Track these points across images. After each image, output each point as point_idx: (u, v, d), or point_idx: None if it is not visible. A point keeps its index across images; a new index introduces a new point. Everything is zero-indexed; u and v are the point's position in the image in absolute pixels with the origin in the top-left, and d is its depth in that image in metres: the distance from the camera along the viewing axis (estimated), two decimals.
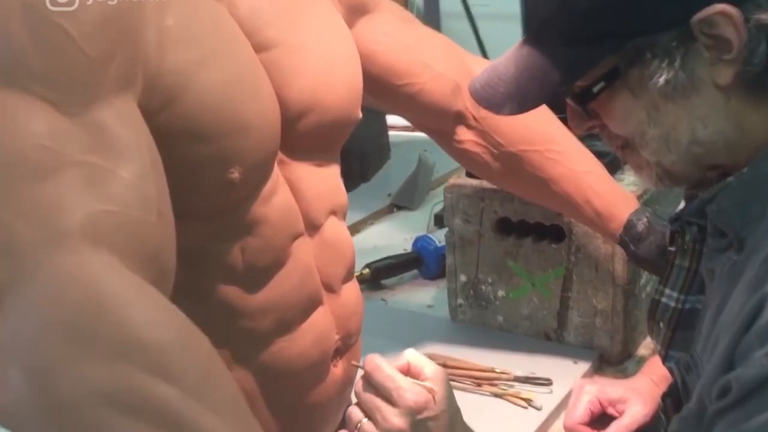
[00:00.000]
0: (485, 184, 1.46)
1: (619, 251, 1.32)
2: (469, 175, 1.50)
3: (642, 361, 1.41)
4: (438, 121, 1.29)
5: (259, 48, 0.95)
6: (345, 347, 1.08)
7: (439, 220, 1.94)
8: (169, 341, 0.69)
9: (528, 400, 1.31)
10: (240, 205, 0.94)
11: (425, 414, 0.89)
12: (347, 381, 1.09)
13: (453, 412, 0.92)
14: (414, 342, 1.41)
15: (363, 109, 1.09)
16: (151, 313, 0.70)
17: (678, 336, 0.90)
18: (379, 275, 1.78)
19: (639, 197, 1.35)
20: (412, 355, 0.93)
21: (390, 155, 2.43)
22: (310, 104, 0.99)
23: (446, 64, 1.27)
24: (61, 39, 0.74)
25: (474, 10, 3.18)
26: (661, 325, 0.91)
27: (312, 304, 1.03)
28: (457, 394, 0.94)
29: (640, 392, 1.19)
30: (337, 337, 1.06)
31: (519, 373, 1.37)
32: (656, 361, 1.17)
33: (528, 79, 0.82)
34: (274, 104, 0.95)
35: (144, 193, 0.75)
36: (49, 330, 0.67)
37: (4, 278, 0.70)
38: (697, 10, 0.73)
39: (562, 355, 1.43)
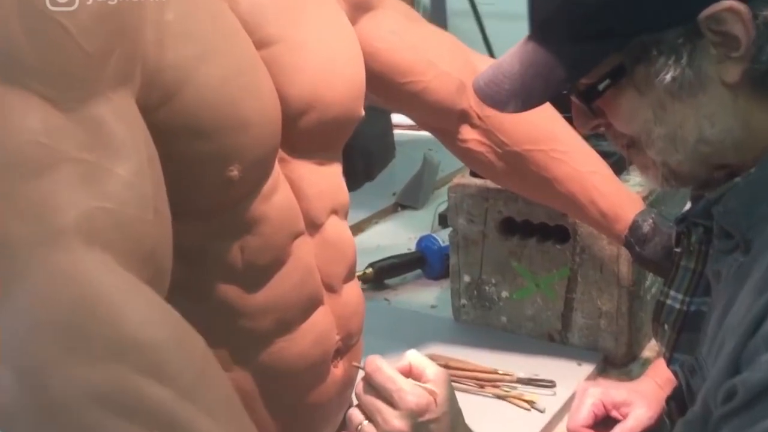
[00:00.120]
0: (489, 183, 1.45)
1: (624, 252, 1.32)
2: (474, 174, 1.49)
3: (647, 363, 1.41)
4: (442, 119, 1.28)
5: (260, 44, 0.94)
6: (346, 348, 1.07)
7: (443, 220, 1.93)
8: (164, 341, 0.69)
9: (531, 402, 1.30)
10: (239, 204, 0.93)
11: (426, 416, 0.88)
12: (348, 382, 1.08)
13: (455, 414, 0.91)
14: (416, 342, 1.41)
15: (368, 107, 1.08)
16: (145, 312, 0.69)
17: (683, 338, 0.89)
18: (383, 275, 1.78)
19: (645, 198, 1.34)
20: (413, 357, 0.93)
21: (395, 154, 2.43)
22: (311, 101, 0.98)
23: (451, 63, 1.26)
24: (58, 34, 0.73)
25: (481, 9, 3.18)
26: (666, 327, 0.91)
27: (312, 304, 1.02)
28: (459, 395, 0.93)
29: (644, 395, 1.19)
30: (337, 337, 1.05)
31: (522, 374, 1.36)
32: (661, 363, 1.16)
33: (533, 76, 0.82)
34: (275, 101, 0.94)
35: (140, 191, 0.75)
36: (42, 329, 0.67)
37: None
38: (704, 7, 0.72)
39: (565, 356, 1.43)
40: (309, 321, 1.01)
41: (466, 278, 1.53)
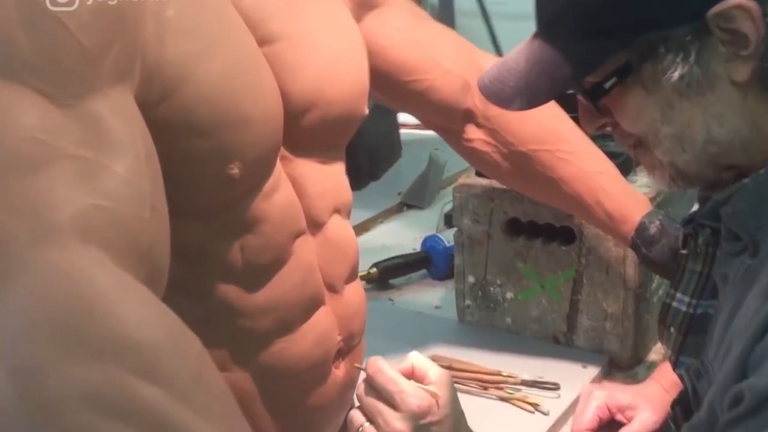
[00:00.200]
0: (495, 183, 1.44)
1: (631, 254, 1.31)
2: (479, 174, 1.48)
3: (653, 366, 1.40)
4: (446, 118, 1.28)
5: (262, 41, 0.94)
6: (347, 348, 1.06)
7: (449, 220, 1.93)
8: (159, 342, 0.68)
9: (535, 405, 1.29)
10: (240, 202, 0.92)
11: (428, 419, 0.87)
12: (349, 383, 1.07)
13: (457, 416, 0.90)
14: (420, 343, 1.41)
15: (374, 105, 1.08)
16: (140, 312, 0.69)
17: (689, 341, 0.89)
18: (387, 275, 1.77)
19: (652, 199, 1.33)
20: (416, 358, 0.92)
21: (401, 153, 2.42)
22: (314, 99, 0.98)
23: (456, 61, 1.25)
24: (56, 30, 0.72)
25: (489, 9, 3.17)
26: (672, 330, 0.90)
27: (313, 304, 1.01)
28: (462, 397, 0.93)
29: (649, 399, 1.18)
30: (339, 338, 1.04)
31: (526, 376, 1.35)
32: (667, 366, 1.16)
33: (538, 73, 0.81)
34: (277, 98, 0.93)
35: (137, 189, 0.74)
36: (36, 329, 0.66)
37: None
38: (713, 4, 0.71)
39: (570, 359, 1.41)
40: (310, 321, 1.00)
41: (471, 279, 1.52)
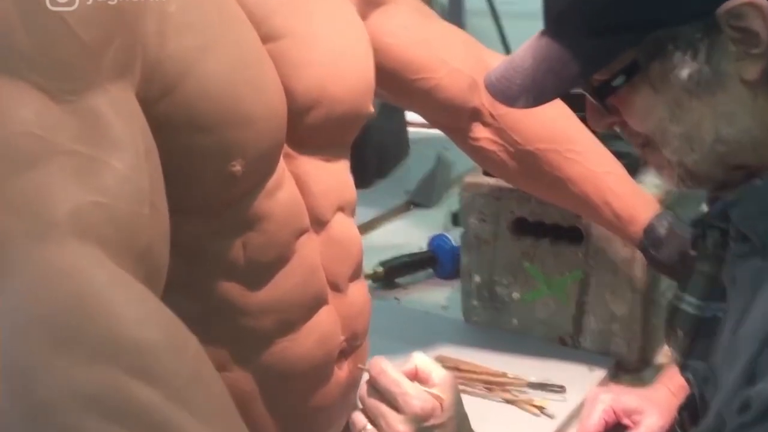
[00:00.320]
0: (502, 183, 1.43)
1: (639, 255, 1.30)
2: (486, 173, 1.48)
3: (660, 369, 1.38)
4: (453, 117, 1.27)
5: (266, 38, 0.93)
6: (350, 349, 1.05)
7: (456, 219, 1.92)
8: (156, 341, 0.67)
9: (540, 408, 1.28)
10: (242, 199, 0.91)
11: (431, 421, 0.87)
12: (352, 384, 1.06)
13: (460, 419, 0.90)
14: (426, 343, 1.41)
15: (383, 103, 1.07)
16: (137, 311, 0.68)
17: (697, 345, 0.87)
18: (394, 274, 1.77)
19: (661, 200, 1.32)
20: (420, 359, 0.91)
21: (408, 152, 2.42)
22: (318, 97, 0.97)
23: (463, 60, 1.25)
24: (56, 24, 0.72)
25: (499, 8, 3.16)
26: (680, 332, 0.88)
27: (316, 303, 1.00)
28: (467, 399, 0.92)
29: (656, 403, 1.17)
30: (342, 338, 1.03)
31: (533, 379, 1.34)
32: (674, 370, 1.15)
33: (545, 71, 0.80)
34: (280, 95, 0.92)
35: (136, 185, 0.73)
36: (32, 328, 0.65)
37: None
38: (723, 1, 0.70)
39: (577, 361, 1.41)
40: (313, 321, 0.99)
41: (477, 279, 1.51)
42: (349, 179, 1.07)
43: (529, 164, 1.26)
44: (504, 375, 1.35)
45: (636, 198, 1.25)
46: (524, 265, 1.46)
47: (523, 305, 1.48)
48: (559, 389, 1.32)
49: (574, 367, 1.39)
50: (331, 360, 1.02)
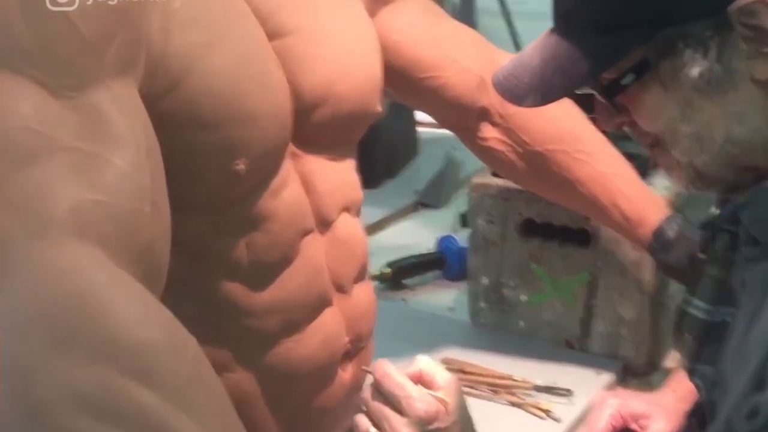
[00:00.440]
0: (510, 184, 1.42)
1: (648, 258, 1.29)
2: (495, 174, 1.47)
3: (668, 373, 1.37)
4: (461, 116, 1.26)
5: (273, 35, 0.93)
6: (355, 350, 1.05)
7: (465, 220, 1.91)
8: (154, 342, 0.66)
9: (547, 411, 1.27)
10: (246, 198, 0.91)
11: (436, 425, 0.86)
12: (356, 386, 1.06)
13: (465, 422, 0.89)
14: (432, 345, 1.40)
15: (392, 102, 1.06)
16: (136, 312, 0.67)
17: (706, 349, 0.86)
18: (401, 275, 1.75)
19: (670, 203, 1.31)
20: (424, 362, 0.90)
21: (417, 151, 2.41)
22: (325, 95, 0.96)
23: (472, 59, 1.24)
24: (57, 20, 0.72)
25: (511, 8, 3.15)
26: (688, 337, 0.87)
27: (320, 304, 0.99)
28: (473, 401, 0.91)
29: (664, 408, 1.16)
30: (346, 339, 1.03)
31: (539, 382, 1.32)
32: (683, 374, 1.14)
33: (554, 69, 0.80)
34: (285, 92, 0.92)
35: (138, 183, 0.73)
36: (30, 328, 0.65)
37: None
38: None
39: (584, 364, 1.39)
40: (317, 322, 0.99)
41: (485, 280, 1.50)
42: (356, 179, 1.06)
43: (537, 165, 1.26)
44: (510, 377, 1.34)
45: (645, 200, 1.25)
46: (532, 267, 1.45)
47: (530, 307, 1.47)
48: (566, 392, 1.31)
49: (581, 370, 1.38)
50: (334, 361, 1.01)
